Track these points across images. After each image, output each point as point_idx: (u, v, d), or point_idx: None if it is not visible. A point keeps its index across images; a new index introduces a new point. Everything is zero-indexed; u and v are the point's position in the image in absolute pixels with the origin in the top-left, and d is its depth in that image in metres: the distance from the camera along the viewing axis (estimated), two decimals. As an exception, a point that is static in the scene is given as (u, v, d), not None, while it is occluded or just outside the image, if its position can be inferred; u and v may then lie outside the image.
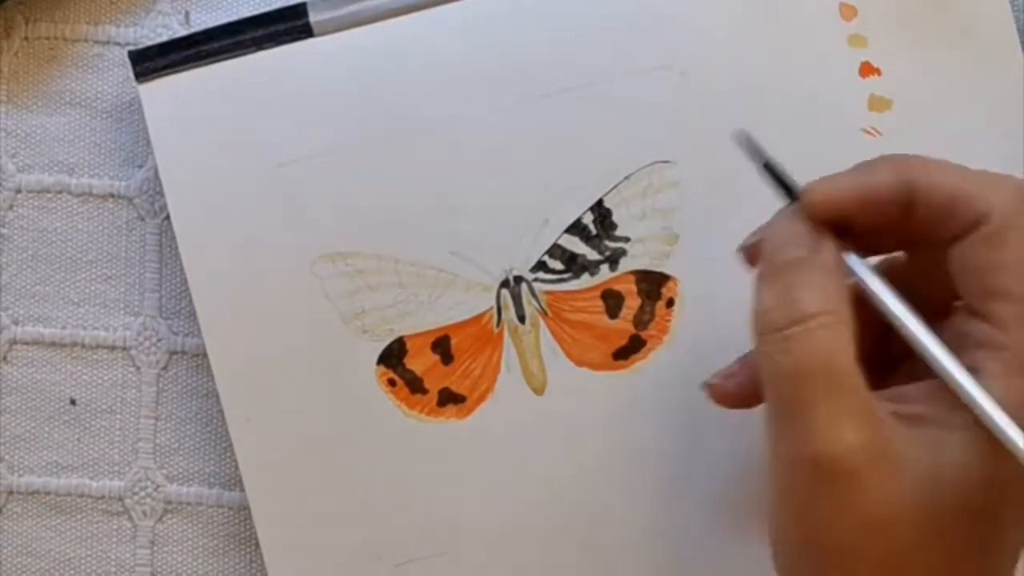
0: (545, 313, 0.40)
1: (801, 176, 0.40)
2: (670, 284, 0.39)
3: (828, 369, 0.29)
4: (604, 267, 0.40)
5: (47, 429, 0.41)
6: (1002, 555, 0.30)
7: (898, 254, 0.33)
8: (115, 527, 0.40)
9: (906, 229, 0.31)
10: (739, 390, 0.34)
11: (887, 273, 0.31)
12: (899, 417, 0.29)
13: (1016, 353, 0.28)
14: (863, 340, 0.30)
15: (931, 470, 0.28)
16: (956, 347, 0.29)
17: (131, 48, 0.39)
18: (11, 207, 0.41)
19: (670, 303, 0.39)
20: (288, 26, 0.39)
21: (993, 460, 0.28)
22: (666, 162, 0.39)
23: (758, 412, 0.32)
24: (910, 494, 0.28)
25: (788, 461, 0.30)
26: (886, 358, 0.32)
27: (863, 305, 0.30)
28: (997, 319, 0.28)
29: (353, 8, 0.39)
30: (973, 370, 0.28)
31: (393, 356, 0.39)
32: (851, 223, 0.31)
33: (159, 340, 0.41)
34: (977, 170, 0.31)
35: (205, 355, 0.39)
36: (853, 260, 0.31)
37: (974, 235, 0.29)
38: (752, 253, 0.33)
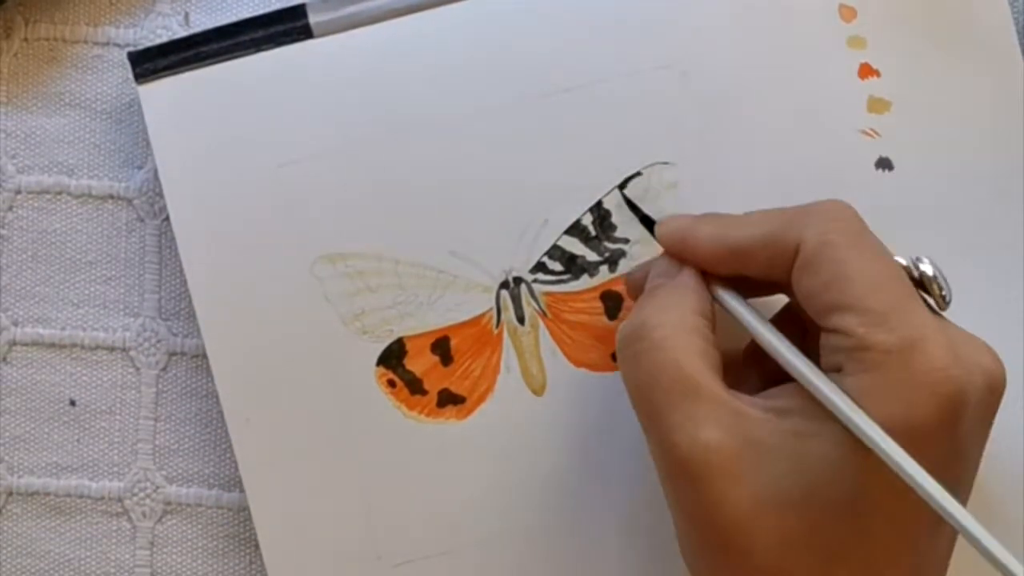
0: (544, 314, 0.40)
1: (801, 175, 0.40)
2: (669, 285, 0.39)
3: (674, 377, 0.31)
4: (603, 268, 0.40)
5: (47, 430, 0.41)
6: (887, 545, 0.31)
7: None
8: (115, 528, 0.40)
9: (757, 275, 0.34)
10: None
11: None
12: (769, 410, 0.31)
13: (867, 353, 0.30)
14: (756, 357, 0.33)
15: (798, 459, 0.30)
16: (822, 354, 0.31)
17: (131, 49, 0.39)
18: (10, 208, 0.41)
19: (669, 304, 0.39)
20: (288, 27, 0.39)
21: (853, 447, 0.30)
22: (666, 163, 0.39)
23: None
24: (778, 484, 0.30)
25: (657, 462, 0.32)
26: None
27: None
28: (843, 329, 0.30)
29: (353, 9, 0.39)
30: (836, 370, 0.31)
31: (393, 357, 0.39)
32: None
33: (159, 341, 0.41)
34: (787, 209, 0.34)
35: (205, 356, 0.39)
36: (720, 291, 0.34)
37: (797, 264, 0.32)
38: (631, 286, 0.38)
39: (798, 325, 0.34)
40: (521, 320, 0.39)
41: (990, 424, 0.32)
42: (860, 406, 0.30)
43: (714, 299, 0.34)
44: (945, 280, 0.33)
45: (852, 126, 0.40)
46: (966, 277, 0.39)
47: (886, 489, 0.30)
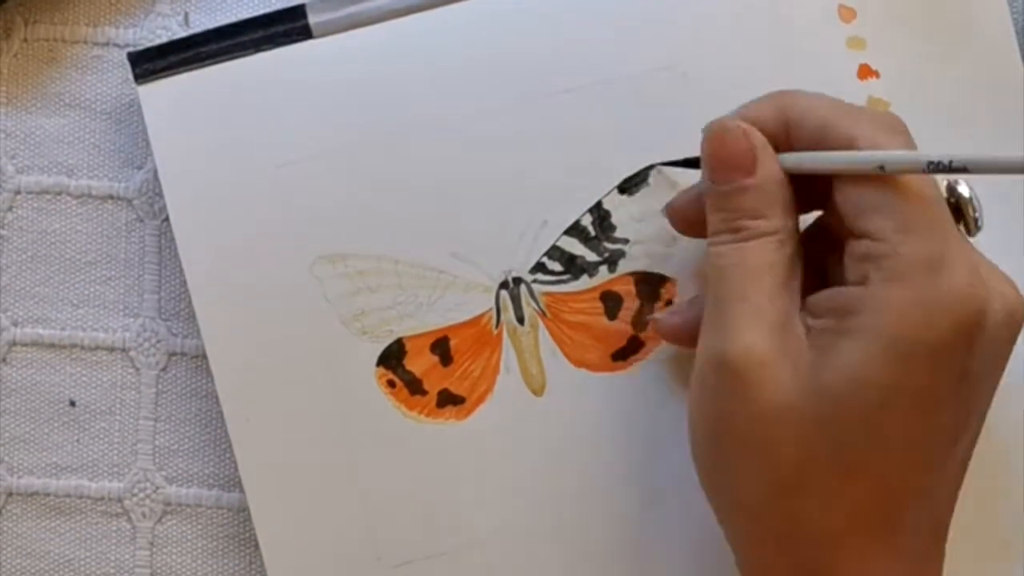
0: (544, 314, 0.40)
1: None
2: (669, 285, 0.40)
3: (746, 276, 0.33)
4: (603, 268, 0.40)
5: (46, 430, 0.41)
6: (901, 463, 0.31)
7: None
8: (114, 528, 0.40)
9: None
10: (683, 326, 0.37)
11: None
12: (811, 328, 0.32)
13: (895, 260, 0.31)
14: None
15: (823, 372, 0.31)
16: (848, 266, 0.32)
17: (130, 50, 0.39)
18: (10, 208, 0.41)
19: (669, 304, 0.39)
20: (287, 28, 0.39)
21: (875, 362, 0.30)
22: (664, 163, 0.39)
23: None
24: (806, 394, 0.31)
25: (702, 357, 0.33)
26: None
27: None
28: (877, 232, 0.31)
29: (352, 10, 0.39)
30: (862, 282, 0.31)
31: (392, 357, 0.39)
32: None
33: (158, 341, 0.41)
34: (846, 103, 0.34)
35: (204, 356, 0.39)
36: (785, 157, 0.34)
37: None
38: (675, 214, 0.38)
39: (827, 242, 0.34)
40: (521, 320, 0.40)
41: (1006, 356, 0.33)
42: (882, 316, 0.30)
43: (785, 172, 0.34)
44: (979, 204, 0.34)
45: (851, 127, 0.40)
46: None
47: (905, 407, 0.31)
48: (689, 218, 0.37)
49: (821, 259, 0.34)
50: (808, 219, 0.36)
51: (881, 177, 0.31)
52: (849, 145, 0.32)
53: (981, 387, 0.32)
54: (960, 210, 0.34)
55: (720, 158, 0.34)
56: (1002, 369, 0.33)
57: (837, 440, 0.31)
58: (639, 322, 0.39)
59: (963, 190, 0.34)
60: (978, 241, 0.34)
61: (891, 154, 0.31)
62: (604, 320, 0.40)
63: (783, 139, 0.34)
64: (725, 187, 0.34)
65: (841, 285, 0.32)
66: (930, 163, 0.31)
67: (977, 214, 0.34)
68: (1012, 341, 0.33)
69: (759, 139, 0.34)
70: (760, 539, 0.33)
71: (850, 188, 0.32)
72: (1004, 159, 0.30)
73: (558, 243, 0.40)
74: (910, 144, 0.33)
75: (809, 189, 0.34)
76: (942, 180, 0.33)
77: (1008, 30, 0.40)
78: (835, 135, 0.33)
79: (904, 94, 0.40)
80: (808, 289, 0.33)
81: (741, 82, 0.39)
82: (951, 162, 0.30)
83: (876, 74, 0.40)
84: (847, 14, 0.40)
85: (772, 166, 0.33)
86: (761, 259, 0.33)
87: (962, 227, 0.34)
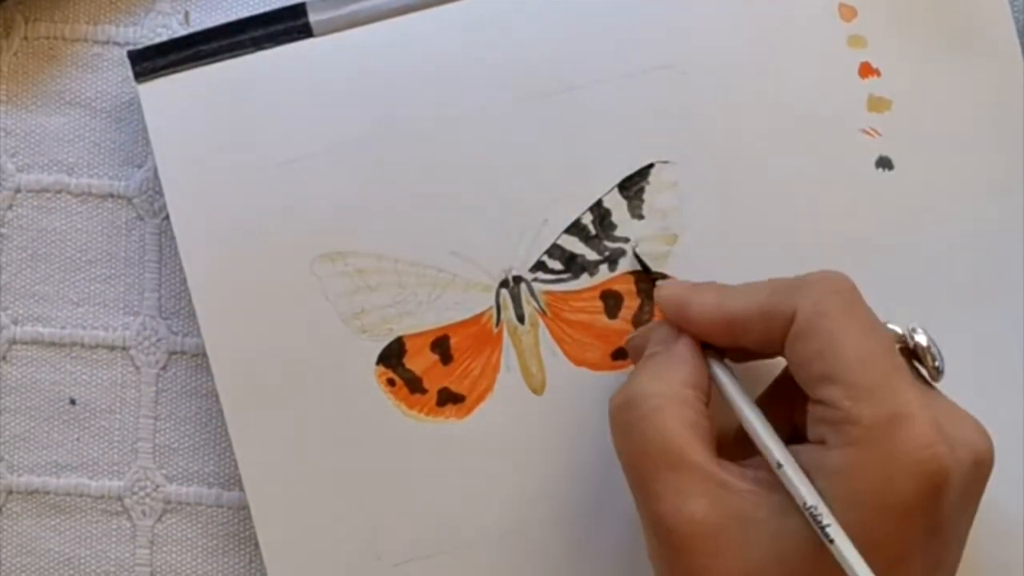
0: (544, 313, 0.40)
1: (801, 175, 0.40)
2: (669, 284, 0.39)
3: (662, 448, 0.32)
4: (603, 267, 0.40)
5: (46, 429, 0.41)
6: None
7: None
8: (114, 527, 0.40)
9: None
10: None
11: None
12: (759, 482, 0.31)
13: (850, 427, 0.30)
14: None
15: (780, 535, 0.30)
16: (808, 425, 0.32)
17: (130, 48, 0.39)
18: (10, 207, 0.41)
19: (669, 303, 0.39)
20: (287, 26, 0.39)
21: (843, 526, 0.30)
22: (665, 162, 0.39)
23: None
24: (760, 560, 0.30)
25: (646, 533, 0.33)
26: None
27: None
28: (829, 400, 0.31)
29: (352, 8, 0.39)
30: (821, 442, 0.31)
31: (392, 356, 0.39)
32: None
33: (158, 340, 0.41)
34: (784, 279, 0.34)
35: (204, 355, 0.39)
36: (715, 366, 0.34)
37: (791, 332, 0.32)
38: (633, 350, 0.38)
39: (795, 392, 0.34)
40: (521, 319, 0.39)
41: (976, 502, 0.32)
42: (843, 481, 0.30)
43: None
44: (939, 351, 0.33)
45: (852, 125, 0.40)
46: (965, 277, 0.40)
47: (878, 565, 0.30)
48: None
49: (789, 409, 0.34)
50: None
51: (828, 341, 0.31)
52: (791, 322, 0.32)
53: (951, 539, 0.31)
54: (919, 357, 0.33)
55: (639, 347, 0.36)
56: (972, 516, 0.32)
57: None
58: (639, 321, 0.39)
59: (920, 339, 0.33)
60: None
61: (790, 471, 0.31)
62: (604, 319, 0.40)
63: (730, 338, 0.34)
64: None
65: (802, 440, 0.32)
66: (808, 507, 0.30)
67: (937, 362, 0.33)
68: (981, 490, 0.32)
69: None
70: None
71: (799, 359, 0.32)
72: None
73: (558, 242, 0.39)
74: (846, 307, 0.32)
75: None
76: (897, 327, 0.33)
77: (1009, 28, 0.40)
78: (776, 318, 0.32)
79: (905, 92, 0.40)
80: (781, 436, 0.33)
81: (741, 81, 0.40)
82: (826, 526, 0.30)
83: (877, 72, 0.40)
84: (848, 12, 0.40)
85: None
86: (668, 425, 0.32)
87: (925, 373, 0.33)
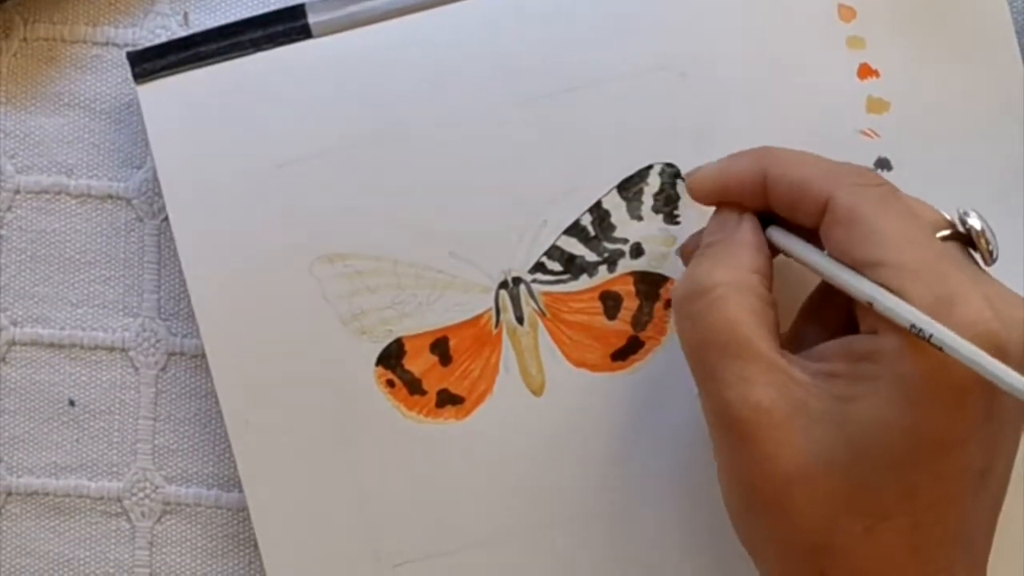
0: (543, 314, 0.40)
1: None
2: (668, 285, 0.39)
3: (729, 336, 0.32)
4: (603, 268, 0.40)
5: (46, 430, 0.41)
6: (931, 504, 0.31)
7: None
8: (113, 528, 0.40)
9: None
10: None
11: None
12: (817, 374, 0.31)
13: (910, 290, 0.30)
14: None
15: (843, 423, 0.30)
16: (859, 316, 0.32)
17: (130, 49, 0.39)
18: (9, 208, 0.41)
19: (668, 304, 0.39)
20: (287, 27, 0.39)
21: (897, 408, 0.30)
22: (665, 163, 0.39)
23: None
24: (825, 446, 0.30)
25: (710, 422, 0.33)
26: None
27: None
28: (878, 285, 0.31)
29: (352, 9, 0.39)
30: (873, 332, 0.31)
31: (392, 357, 0.39)
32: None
33: (158, 341, 0.41)
34: (826, 160, 0.34)
35: (204, 356, 0.39)
36: (772, 230, 0.34)
37: (827, 219, 0.32)
38: (685, 253, 0.38)
39: (828, 289, 0.34)
40: (520, 320, 0.39)
41: None
42: (899, 364, 0.30)
43: (769, 242, 0.34)
44: (993, 234, 0.33)
45: (851, 126, 0.40)
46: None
47: (931, 448, 0.30)
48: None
49: (840, 310, 0.34)
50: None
51: (872, 227, 0.31)
52: (825, 203, 0.32)
53: (1009, 419, 0.31)
54: (973, 242, 0.33)
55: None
56: None
57: (863, 491, 0.30)
58: (639, 322, 0.39)
59: (974, 222, 0.33)
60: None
61: (883, 297, 0.30)
62: (603, 320, 0.40)
63: (760, 195, 0.34)
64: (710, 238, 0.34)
65: (849, 333, 0.32)
66: (912, 326, 0.30)
67: (991, 245, 0.33)
68: None
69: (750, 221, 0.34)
70: None
71: (841, 240, 0.32)
72: (989, 364, 0.29)
73: (558, 243, 0.39)
74: (884, 198, 0.32)
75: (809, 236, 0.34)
76: (951, 211, 0.33)
77: (1008, 28, 0.40)
78: (810, 195, 0.32)
79: (904, 93, 0.40)
80: (812, 338, 0.33)
81: (740, 82, 0.40)
82: (931, 336, 0.29)
83: (876, 73, 0.40)
84: (847, 13, 0.40)
85: (752, 237, 0.34)
86: (732, 314, 0.32)
87: (979, 257, 0.33)
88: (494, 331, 0.40)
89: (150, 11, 0.41)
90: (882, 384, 0.30)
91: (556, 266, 0.40)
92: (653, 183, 0.39)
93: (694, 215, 0.39)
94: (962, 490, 0.31)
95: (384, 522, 0.39)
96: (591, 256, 0.39)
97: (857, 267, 0.31)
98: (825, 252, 0.33)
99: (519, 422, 0.39)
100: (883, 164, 0.40)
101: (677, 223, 0.39)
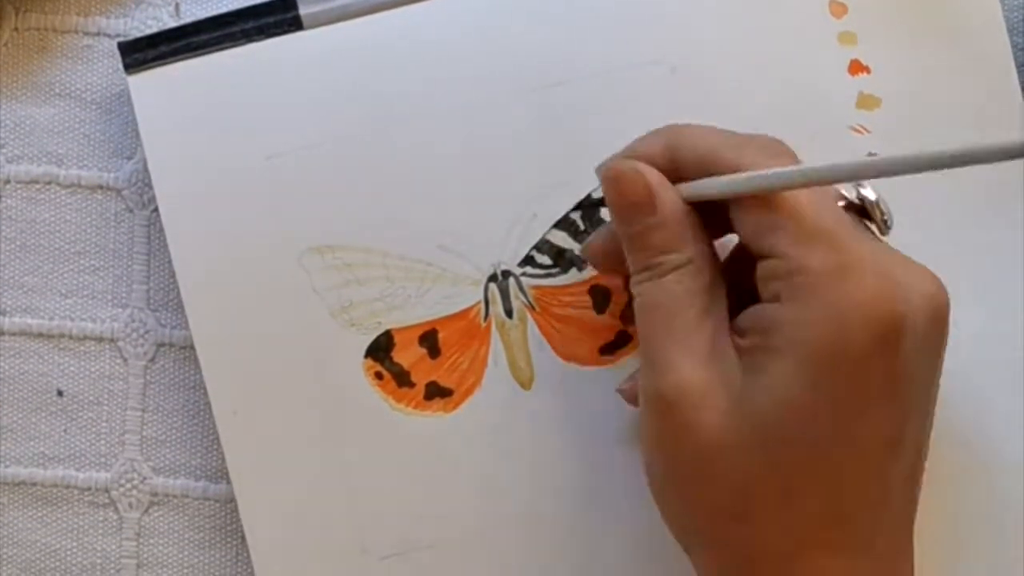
0: (532, 307, 0.40)
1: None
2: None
3: (668, 310, 0.32)
4: (592, 262, 0.40)
5: (34, 420, 0.41)
6: (850, 474, 0.31)
7: None
8: (101, 519, 0.40)
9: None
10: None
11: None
12: (738, 349, 0.32)
13: (800, 276, 0.30)
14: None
15: (754, 393, 0.31)
16: (760, 286, 0.32)
17: (121, 40, 0.39)
18: (-1, 198, 0.41)
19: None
20: (278, 19, 0.39)
21: (805, 379, 0.30)
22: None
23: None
24: (745, 423, 0.31)
25: (642, 392, 0.33)
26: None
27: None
28: (776, 251, 0.31)
29: (343, 1, 0.39)
30: (775, 297, 0.31)
31: (380, 349, 0.39)
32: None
33: (147, 332, 0.41)
34: (733, 134, 0.34)
35: (192, 347, 0.39)
36: (682, 187, 0.33)
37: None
38: (593, 251, 0.37)
39: (749, 261, 0.33)
40: (509, 313, 0.39)
41: (938, 353, 0.32)
42: (798, 332, 0.30)
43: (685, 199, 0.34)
44: (886, 205, 0.33)
45: (842, 122, 0.40)
46: (962, 276, 0.39)
47: (836, 416, 0.30)
48: (609, 255, 0.36)
49: (749, 278, 0.34)
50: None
51: (773, 196, 0.31)
52: (735, 172, 0.32)
53: (915, 386, 0.32)
54: (867, 212, 0.33)
55: (620, 201, 0.34)
56: (937, 363, 0.32)
57: (776, 461, 0.31)
58: (627, 316, 0.39)
59: (867, 193, 0.33)
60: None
61: (781, 171, 0.31)
62: (592, 314, 0.40)
63: (672, 172, 0.34)
64: (632, 228, 0.33)
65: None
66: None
67: (886, 216, 0.33)
68: (942, 334, 0.32)
69: (654, 176, 0.33)
70: (720, 565, 0.33)
71: (745, 212, 0.32)
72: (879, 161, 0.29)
73: (547, 236, 0.39)
74: (794, 164, 0.32)
75: (720, 215, 0.33)
76: (846, 186, 0.33)
77: (1000, 25, 0.40)
78: (720, 164, 0.32)
79: (895, 90, 0.40)
80: (740, 308, 0.33)
81: (730, 76, 0.40)
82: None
83: (867, 69, 0.40)
84: (838, 9, 0.40)
85: (672, 199, 0.33)
86: (679, 291, 0.32)
87: (875, 228, 0.33)
88: (483, 324, 0.40)
89: (141, 1, 0.41)
90: (783, 357, 0.30)
91: (545, 259, 0.40)
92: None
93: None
94: (875, 458, 0.31)
95: (372, 514, 0.39)
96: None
97: (760, 234, 0.31)
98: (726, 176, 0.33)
99: (508, 415, 0.39)
100: (873, 160, 0.40)
101: None
